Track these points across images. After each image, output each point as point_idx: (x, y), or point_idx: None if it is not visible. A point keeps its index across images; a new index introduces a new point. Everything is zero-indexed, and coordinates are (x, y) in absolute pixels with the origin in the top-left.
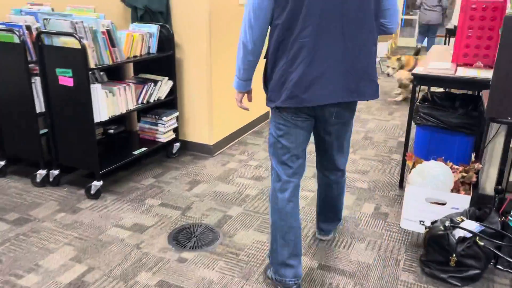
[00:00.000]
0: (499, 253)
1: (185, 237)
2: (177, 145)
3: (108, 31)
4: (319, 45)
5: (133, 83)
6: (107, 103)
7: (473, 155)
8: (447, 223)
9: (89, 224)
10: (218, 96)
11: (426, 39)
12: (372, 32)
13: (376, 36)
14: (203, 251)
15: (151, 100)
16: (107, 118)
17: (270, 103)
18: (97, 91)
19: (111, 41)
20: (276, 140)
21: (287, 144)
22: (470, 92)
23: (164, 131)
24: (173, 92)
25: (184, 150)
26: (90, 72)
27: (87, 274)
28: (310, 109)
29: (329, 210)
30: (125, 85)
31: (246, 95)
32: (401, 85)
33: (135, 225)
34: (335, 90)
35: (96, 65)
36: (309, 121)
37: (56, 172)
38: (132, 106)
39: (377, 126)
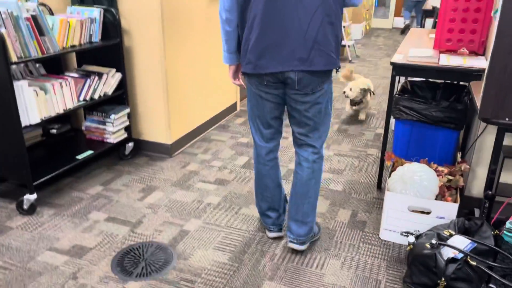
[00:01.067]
0: (493, 274)
1: (132, 261)
2: (130, 146)
3: (34, 17)
4: (272, 14)
5: (72, 77)
6: (38, 102)
7: (459, 154)
8: (433, 241)
9: (17, 248)
10: (175, 88)
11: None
12: (326, 2)
13: (334, 8)
14: (152, 279)
15: (96, 96)
16: (39, 121)
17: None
18: (23, 89)
19: (39, 29)
20: (249, 107)
21: (257, 113)
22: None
23: (113, 130)
24: (122, 85)
25: (139, 150)
26: (14, 66)
27: None
28: (271, 77)
29: (298, 202)
30: (61, 80)
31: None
32: (353, 103)
33: (73, 247)
34: (288, 59)
35: (20, 57)
36: (276, 91)
37: None
38: (71, 104)
39: (351, 116)
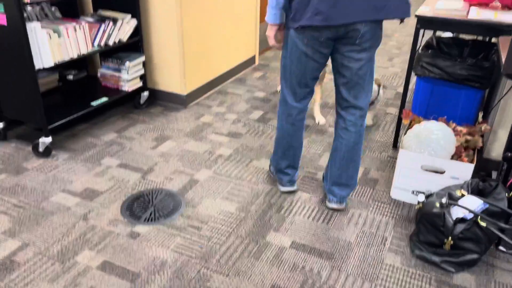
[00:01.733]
0: (503, 236)
1: (142, 206)
2: (145, 95)
3: None
4: None
5: (87, 21)
6: (51, 45)
7: (480, 114)
8: (444, 200)
9: (32, 188)
10: (191, 37)
11: None
12: None
13: None
14: (159, 224)
15: (110, 43)
16: (52, 64)
17: (293, 23)
18: (36, 31)
19: None
20: (288, 64)
21: (296, 72)
22: (481, 38)
23: (128, 78)
24: (137, 32)
25: (154, 100)
26: (29, 8)
27: (19, 252)
28: (333, 31)
29: (343, 166)
30: (75, 24)
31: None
32: None
33: (85, 190)
34: (362, 8)
35: None
36: (326, 49)
37: (1, 124)
38: (85, 49)
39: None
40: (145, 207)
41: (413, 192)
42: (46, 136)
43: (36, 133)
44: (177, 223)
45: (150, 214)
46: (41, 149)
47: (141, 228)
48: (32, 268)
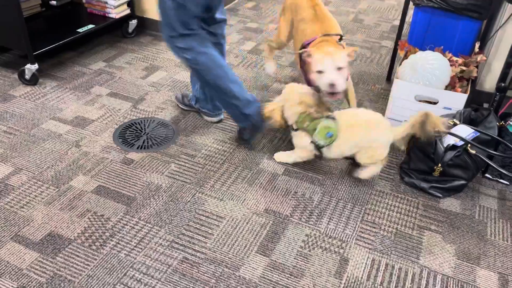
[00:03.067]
0: (491, 163)
1: (134, 135)
2: (133, 23)
3: None
4: None
5: None
6: None
7: (476, 45)
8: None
9: (21, 115)
10: None
11: None
12: None
13: None
14: (153, 152)
15: None
16: None
17: None
18: None
19: None
20: None
21: None
22: None
23: (114, 4)
24: None
25: (143, 29)
26: None
27: (12, 176)
28: None
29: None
30: None
31: None
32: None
33: (76, 118)
34: None
35: None
36: None
37: None
38: None
39: (369, 6)
40: (137, 135)
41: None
42: (32, 63)
43: (21, 60)
44: (171, 151)
45: (143, 142)
46: (27, 76)
47: (134, 155)
48: (27, 192)
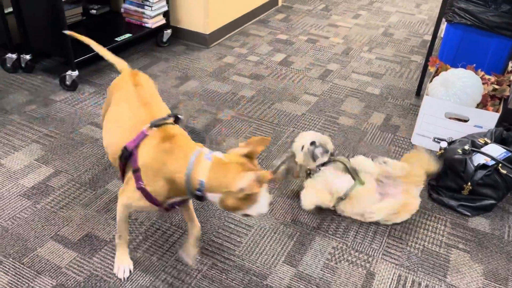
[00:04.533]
0: None
1: None
2: (167, 33)
3: None
4: None
5: None
6: None
7: (510, 64)
8: (466, 147)
9: (61, 119)
10: None
11: None
12: None
13: None
14: None
15: None
16: None
17: None
18: None
19: None
20: None
21: None
22: None
23: (151, 14)
24: None
25: (177, 39)
26: None
27: (53, 178)
28: None
29: None
30: None
31: None
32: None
33: None
34: None
35: None
36: None
37: (28, 57)
38: None
39: (400, 20)
40: None
41: (434, 139)
42: (73, 70)
43: (62, 66)
44: None
45: None
46: (68, 82)
47: None
48: (66, 193)
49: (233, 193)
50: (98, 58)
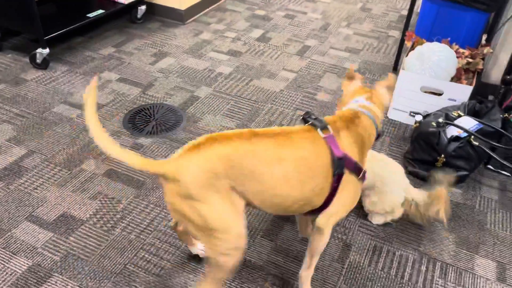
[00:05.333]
0: (493, 155)
1: (144, 120)
2: (142, 9)
3: None
4: None
5: None
6: None
7: (483, 37)
8: (440, 120)
9: (33, 99)
10: None
11: None
12: None
13: None
14: (162, 137)
15: None
16: None
17: None
18: None
19: None
20: None
21: None
22: None
23: None
24: None
25: (151, 15)
26: None
27: (26, 158)
28: None
29: None
30: None
31: None
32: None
33: None
34: None
35: None
36: None
37: None
38: None
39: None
40: (147, 120)
41: (410, 113)
42: (43, 47)
43: (32, 44)
44: (179, 136)
45: (152, 127)
46: (39, 60)
47: (144, 140)
48: (40, 173)
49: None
50: (70, 35)
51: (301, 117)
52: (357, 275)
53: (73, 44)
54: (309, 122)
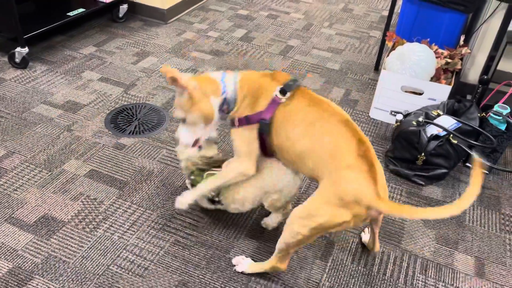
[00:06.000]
0: (471, 152)
1: (126, 120)
2: (124, 7)
3: None
4: None
5: None
6: None
7: (462, 38)
8: (420, 119)
9: (12, 99)
10: None
11: None
12: None
13: None
14: (145, 137)
15: None
16: None
17: None
18: None
19: None
20: None
21: None
22: None
23: None
24: None
25: (134, 14)
26: None
27: (4, 159)
28: None
29: None
30: None
31: None
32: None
33: (67, 102)
34: None
35: None
36: None
37: None
38: None
39: None
40: (129, 121)
41: (391, 113)
42: (22, 46)
43: (10, 43)
44: (162, 136)
45: (135, 127)
46: (17, 59)
47: (126, 140)
48: (20, 175)
49: None
50: (50, 34)
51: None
52: (340, 273)
53: (53, 43)
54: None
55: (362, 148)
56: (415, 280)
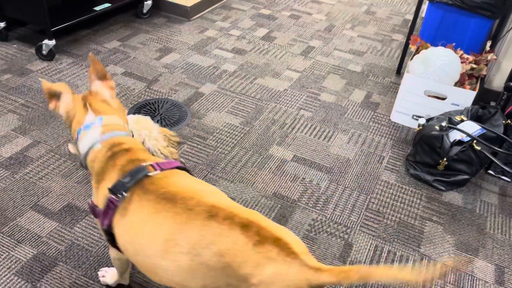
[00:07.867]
0: (495, 159)
1: (148, 114)
2: (148, 3)
3: None
4: None
5: None
6: None
7: (488, 44)
8: (444, 123)
9: (38, 89)
10: None
11: None
12: None
13: None
14: None
15: None
16: None
17: None
18: None
19: None
20: None
21: None
22: None
23: None
24: None
25: (157, 10)
26: None
27: (31, 148)
28: None
29: None
30: None
31: None
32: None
33: None
34: None
35: None
36: None
37: (2, 24)
38: None
39: None
40: (151, 115)
41: (412, 117)
42: (50, 39)
43: (38, 35)
44: (183, 132)
45: (157, 121)
46: (44, 51)
47: None
48: (45, 164)
49: None
50: (76, 27)
51: None
52: None
53: (79, 36)
54: None
55: (250, 233)
56: (433, 285)
